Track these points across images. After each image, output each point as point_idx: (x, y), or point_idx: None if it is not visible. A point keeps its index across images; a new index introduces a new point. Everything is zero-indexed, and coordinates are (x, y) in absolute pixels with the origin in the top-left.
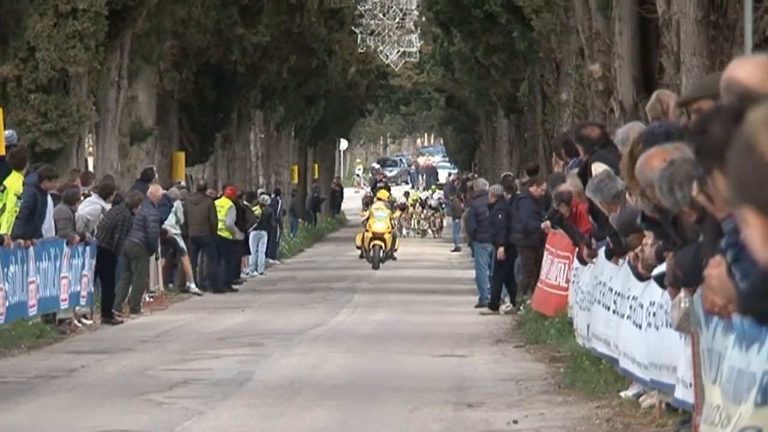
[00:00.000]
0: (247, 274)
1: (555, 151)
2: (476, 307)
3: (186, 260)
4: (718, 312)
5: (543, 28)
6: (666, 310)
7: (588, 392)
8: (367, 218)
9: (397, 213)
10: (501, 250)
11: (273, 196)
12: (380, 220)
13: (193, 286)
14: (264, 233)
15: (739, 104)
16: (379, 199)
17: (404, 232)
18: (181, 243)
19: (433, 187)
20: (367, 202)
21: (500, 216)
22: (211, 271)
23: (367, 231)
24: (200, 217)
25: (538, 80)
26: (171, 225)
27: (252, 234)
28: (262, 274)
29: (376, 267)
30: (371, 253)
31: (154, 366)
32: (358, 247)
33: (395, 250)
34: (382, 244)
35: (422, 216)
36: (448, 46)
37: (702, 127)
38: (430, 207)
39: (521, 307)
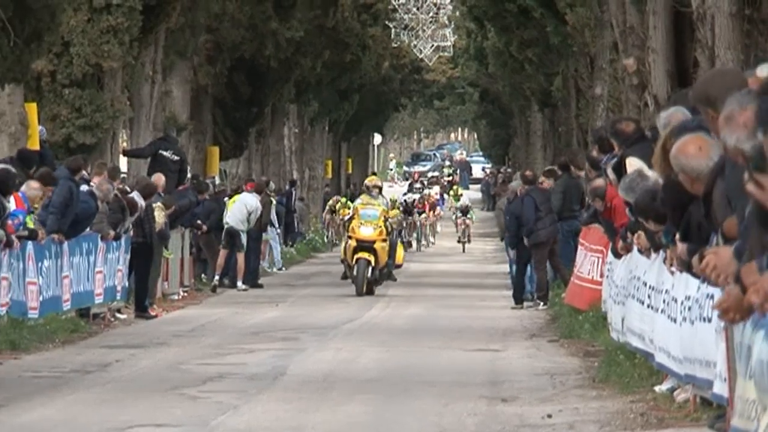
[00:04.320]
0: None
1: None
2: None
3: (242, 257)
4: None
5: (577, 23)
6: (700, 304)
7: (622, 386)
8: (351, 218)
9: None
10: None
11: (287, 188)
12: (368, 223)
13: (240, 283)
14: (273, 230)
15: None
16: (368, 189)
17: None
18: (244, 239)
19: (456, 187)
20: (334, 210)
21: (507, 217)
22: (250, 266)
23: (350, 238)
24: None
25: (572, 74)
26: (240, 220)
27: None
28: (280, 269)
29: (360, 292)
30: (354, 270)
31: (188, 360)
32: (342, 261)
33: (397, 266)
34: (371, 258)
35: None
36: (482, 41)
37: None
38: (459, 210)
39: (541, 304)
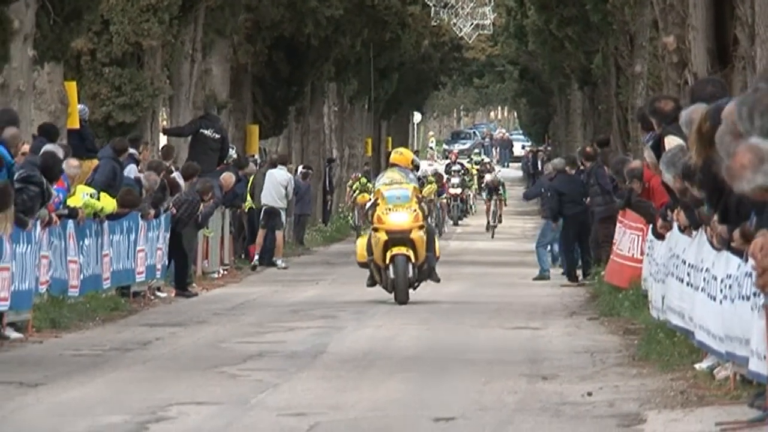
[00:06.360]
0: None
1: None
2: (534, 279)
3: (280, 235)
4: None
5: (617, 0)
6: (739, 283)
7: (662, 364)
8: (373, 204)
9: (431, 188)
10: (553, 225)
11: (325, 166)
12: (399, 207)
13: (280, 261)
14: None
15: None
16: (393, 165)
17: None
18: (283, 218)
19: (471, 166)
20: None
21: (549, 194)
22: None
23: (376, 230)
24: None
25: (612, 52)
26: (278, 198)
27: None
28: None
29: (402, 299)
30: (390, 272)
31: (228, 339)
32: (362, 264)
33: (437, 258)
34: (410, 253)
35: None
36: (522, 19)
37: None
38: (488, 187)
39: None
